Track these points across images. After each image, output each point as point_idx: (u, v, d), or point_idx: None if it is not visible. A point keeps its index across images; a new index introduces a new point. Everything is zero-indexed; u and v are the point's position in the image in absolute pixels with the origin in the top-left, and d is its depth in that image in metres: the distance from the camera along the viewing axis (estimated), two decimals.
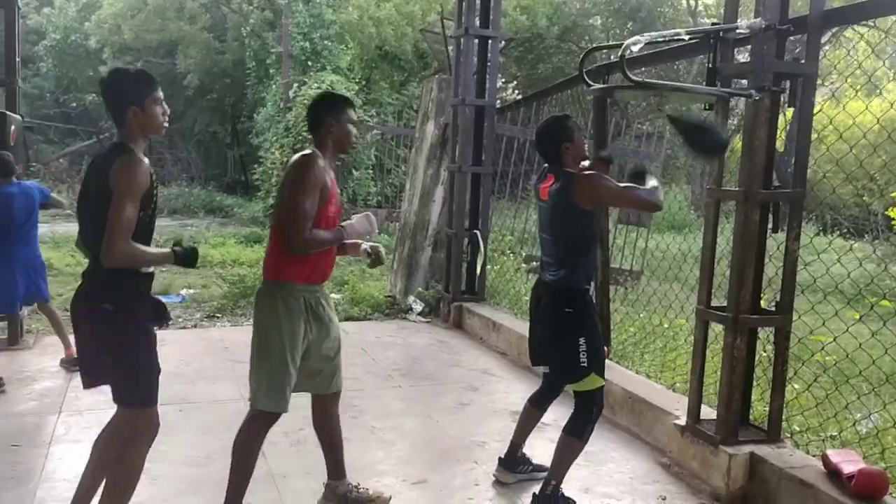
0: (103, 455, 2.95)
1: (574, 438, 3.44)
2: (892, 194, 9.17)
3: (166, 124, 2.91)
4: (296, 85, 14.17)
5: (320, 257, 3.17)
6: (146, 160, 2.79)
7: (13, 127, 5.67)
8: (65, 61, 20.64)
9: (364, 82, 16.66)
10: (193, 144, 22.59)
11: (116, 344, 2.78)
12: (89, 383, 2.91)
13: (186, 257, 2.89)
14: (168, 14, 18.87)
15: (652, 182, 3.45)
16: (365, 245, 3.43)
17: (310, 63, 14.84)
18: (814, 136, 3.76)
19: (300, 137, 13.49)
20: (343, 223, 3.22)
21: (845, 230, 13.62)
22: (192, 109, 21.24)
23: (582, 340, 3.39)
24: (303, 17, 15.02)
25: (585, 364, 3.38)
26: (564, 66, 21.80)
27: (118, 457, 2.89)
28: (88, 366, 2.89)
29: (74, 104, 22.71)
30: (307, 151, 3.12)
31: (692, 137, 3.31)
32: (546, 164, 3.61)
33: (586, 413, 3.45)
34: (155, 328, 2.90)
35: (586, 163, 3.59)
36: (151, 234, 2.89)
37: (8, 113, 5.76)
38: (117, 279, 2.74)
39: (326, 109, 3.19)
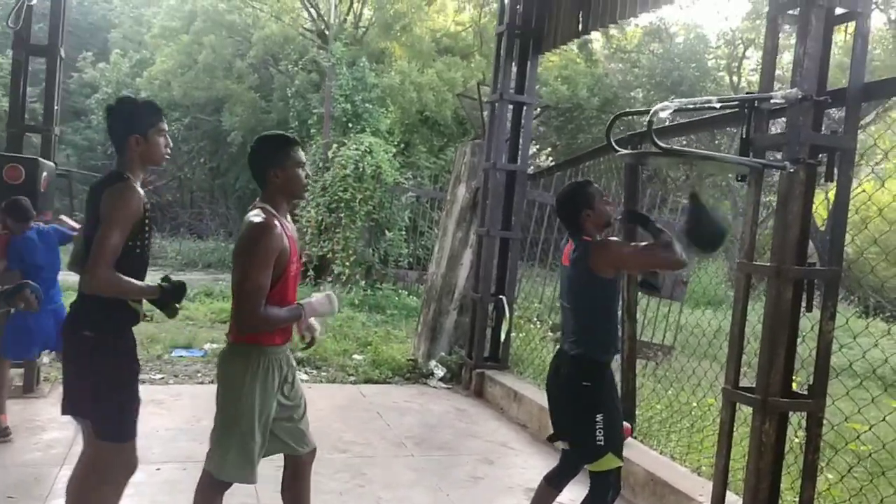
0: (78, 496, 2.83)
1: None
2: None
3: (167, 156, 2.90)
4: (335, 146, 14.35)
5: None
6: (140, 189, 2.77)
7: (45, 173, 5.73)
8: None
9: (403, 145, 16.82)
10: (234, 200, 22.92)
11: (94, 372, 2.73)
12: (68, 409, 2.86)
13: (173, 292, 2.84)
14: (217, 73, 19.38)
15: (665, 236, 3.30)
16: (312, 321, 3.13)
17: (350, 125, 15.03)
18: (855, 215, 3.60)
19: (336, 197, 13.58)
20: (302, 301, 3.00)
21: (888, 314, 13.16)
22: (235, 166, 21.63)
23: (599, 417, 3.21)
24: (346, 79, 15.29)
25: (602, 442, 3.20)
26: (604, 137, 21.81)
27: (91, 492, 2.78)
28: (68, 391, 2.86)
29: None
30: (258, 218, 2.81)
31: (699, 221, 3.19)
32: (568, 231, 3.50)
33: (601, 496, 3.25)
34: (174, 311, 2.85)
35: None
36: (145, 266, 2.87)
37: (41, 159, 5.83)
38: (100, 307, 2.71)
39: (267, 158, 2.90)
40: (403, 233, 14.50)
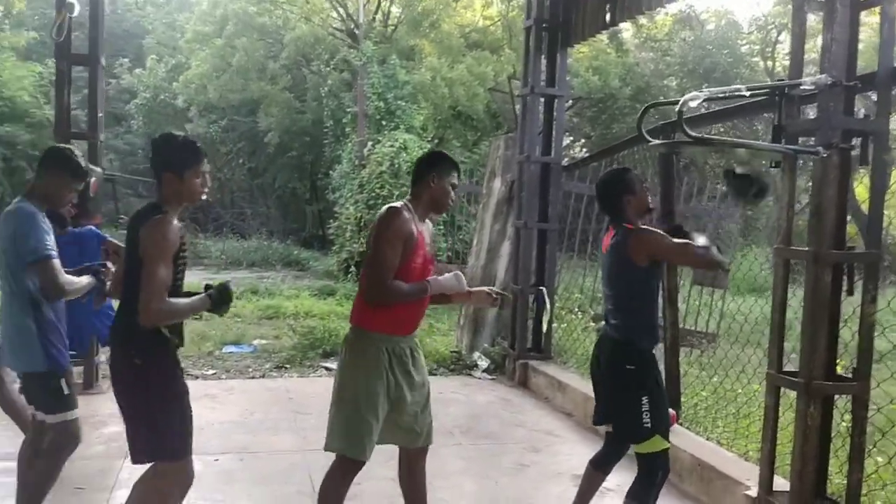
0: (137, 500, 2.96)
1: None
2: None
3: (204, 196, 2.94)
4: (370, 143, 14.52)
5: (406, 308, 3.15)
6: (176, 223, 2.83)
7: (93, 179, 5.95)
8: (154, 119, 21.68)
9: (437, 141, 16.95)
10: (274, 200, 23.26)
11: (146, 400, 2.82)
12: (135, 457, 2.90)
13: (220, 298, 2.92)
14: (250, 75, 19.68)
15: (701, 240, 3.37)
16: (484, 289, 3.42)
17: (384, 122, 15.20)
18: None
19: (373, 194, 13.76)
20: (429, 278, 3.17)
21: None
22: (273, 166, 21.96)
23: (645, 399, 3.28)
24: (378, 77, 15.46)
25: (649, 424, 3.27)
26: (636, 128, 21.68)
27: None
28: (131, 435, 2.89)
29: None
30: (394, 204, 3.15)
31: (738, 186, 3.26)
32: (608, 217, 3.58)
33: (650, 476, 3.33)
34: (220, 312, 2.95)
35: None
36: (178, 292, 2.90)
37: (90, 165, 6.06)
38: (145, 334, 2.78)
39: (432, 165, 3.23)
40: (441, 227, 14.63)
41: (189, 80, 19.65)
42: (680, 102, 3.17)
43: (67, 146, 3.63)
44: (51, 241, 3.26)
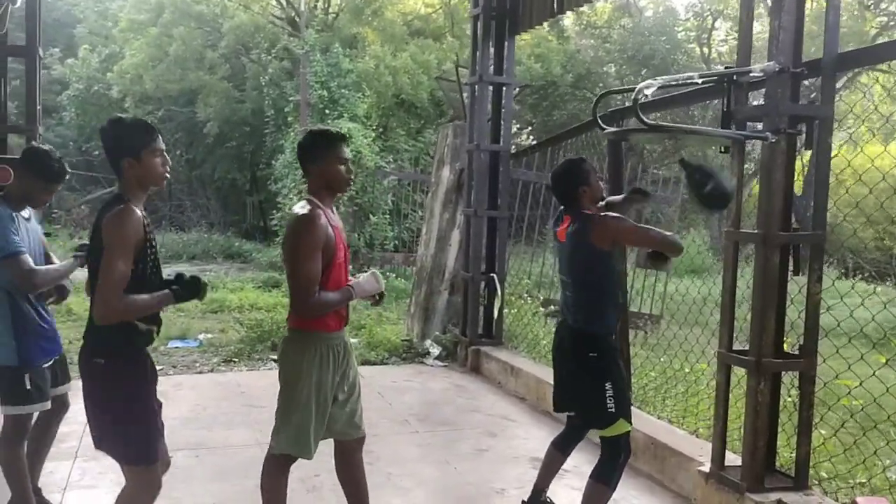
0: None
1: (602, 485, 3.38)
2: None
3: (167, 175, 2.82)
4: None
5: None
6: (139, 212, 2.70)
7: None
8: (87, 111, 21.00)
9: (381, 129, 16.85)
10: (213, 191, 22.81)
11: (110, 401, 2.74)
12: (97, 443, 2.85)
13: (188, 291, 2.82)
14: (188, 64, 19.21)
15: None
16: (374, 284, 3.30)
17: (327, 111, 15.03)
18: (833, 179, 3.75)
19: None
20: (351, 282, 3.15)
21: (867, 274, 13.47)
22: (212, 157, 21.49)
23: (608, 385, 3.36)
24: (321, 66, 15.27)
25: (613, 409, 3.35)
26: (579, 113, 21.93)
27: None
28: (91, 423, 2.84)
29: (96, 152, 23.00)
30: (302, 210, 2.99)
31: (697, 183, 3.30)
32: (562, 207, 3.62)
33: (614, 459, 3.40)
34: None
35: (618, 198, 3.61)
36: (151, 285, 2.78)
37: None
38: (109, 333, 2.70)
39: (313, 149, 3.06)
40: (387, 216, 14.59)
41: (124, 70, 19.06)
42: (636, 90, 3.21)
43: (44, 147, 3.52)
44: (17, 238, 3.28)
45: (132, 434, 2.77)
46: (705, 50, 23.59)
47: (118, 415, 2.75)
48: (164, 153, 2.80)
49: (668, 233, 3.46)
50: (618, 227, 3.36)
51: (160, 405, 2.98)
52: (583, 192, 3.47)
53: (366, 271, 3.31)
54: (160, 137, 2.81)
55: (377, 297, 3.32)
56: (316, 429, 3.08)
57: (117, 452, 2.81)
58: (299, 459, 3.17)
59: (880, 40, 19.34)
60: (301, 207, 3.02)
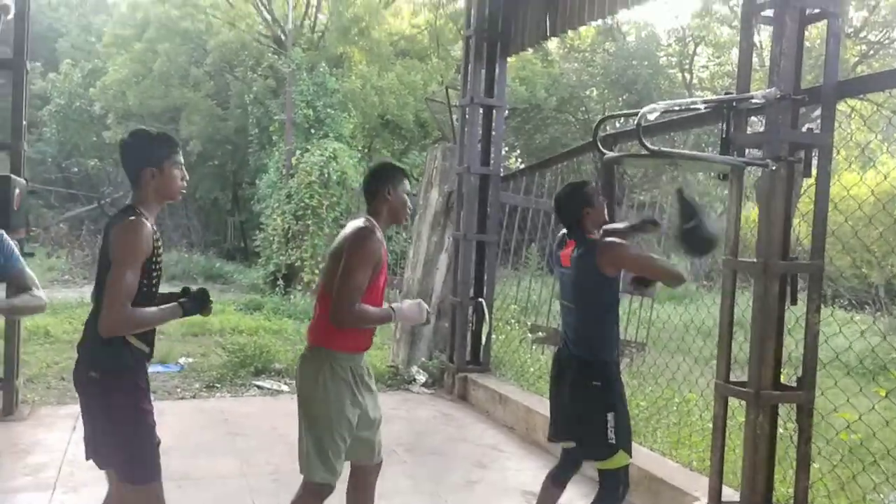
0: None
1: None
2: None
3: (184, 190, 2.82)
4: (298, 152, 14.25)
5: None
6: (150, 225, 2.67)
7: (17, 191, 5.58)
8: (68, 127, 20.79)
9: (366, 150, 16.80)
10: (194, 210, 22.60)
11: (106, 415, 2.65)
12: (90, 455, 2.77)
13: (197, 305, 2.77)
14: (172, 81, 19.09)
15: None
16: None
17: (312, 130, 14.95)
18: (809, 206, 3.71)
19: (302, 204, 13.50)
20: (394, 305, 3.13)
21: (846, 302, 13.52)
22: (194, 175, 21.22)
23: (610, 416, 3.28)
24: (306, 85, 15.20)
25: (613, 441, 3.27)
26: (561, 137, 22.06)
27: None
28: (88, 437, 2.76)
29: (76, 169, 22.81)
30: (363, 223, 3.07)
31: (684, 216, 3.27)
32: (565, 230, 3.56)
33: (613, 492, 3.31)
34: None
35: (620, 226, 3.55)
36: (152, 300, 2.76)
37: (13, 176, 5.67)
38: (104, 346, 2.61)
39: (385, 178, 3.15)
40: None
41: (107, 85, 18.90)
42: (639, 115, 3.16)
43: None
44: None
45: (135, 450, 2.69)
46: (687, 75, 23.82)
47: (118, 432, 2.66)
48: (184, 167, 2.81)
49: (670, 263, 3.40)
50: (623, 254, 3.30)
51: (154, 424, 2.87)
52: (586, 215, 3.42)
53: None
54: (181, 152, 2.82)
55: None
56: (336, 452, 3.03)
57: (119, 471, 2.71)
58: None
59: (860, 69, 19.64)
60: (362, 222, 3.09)
